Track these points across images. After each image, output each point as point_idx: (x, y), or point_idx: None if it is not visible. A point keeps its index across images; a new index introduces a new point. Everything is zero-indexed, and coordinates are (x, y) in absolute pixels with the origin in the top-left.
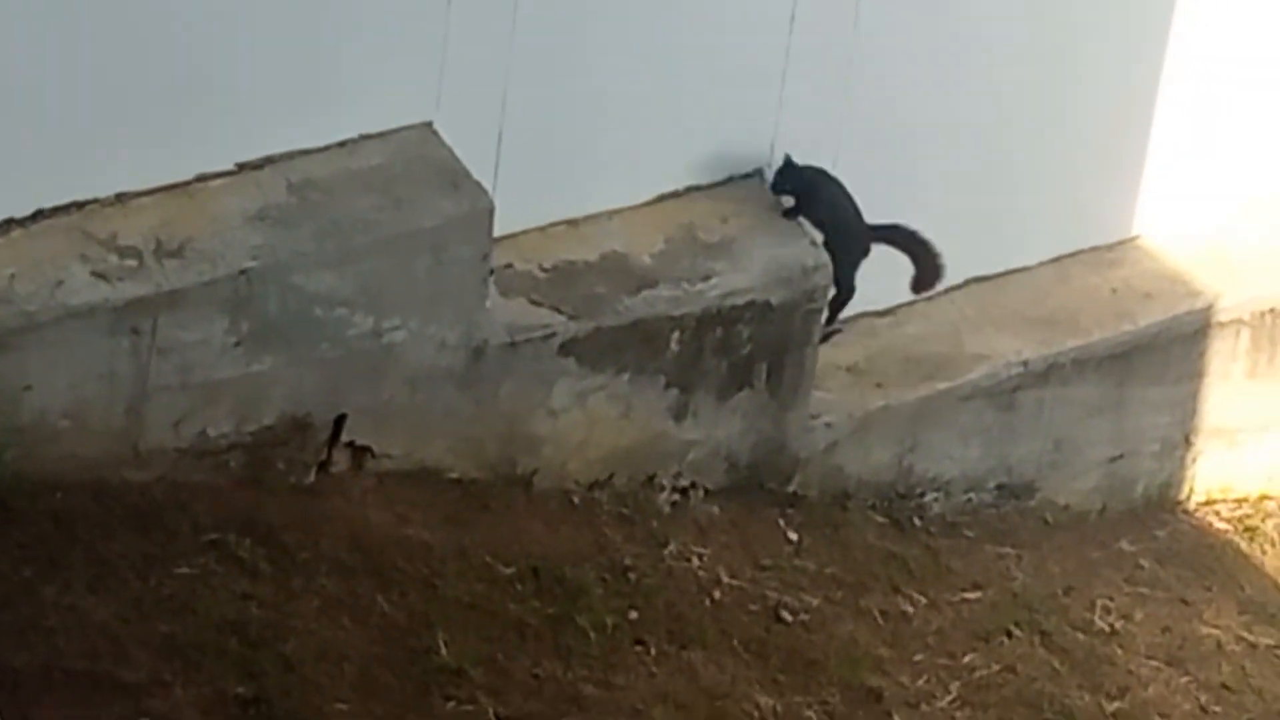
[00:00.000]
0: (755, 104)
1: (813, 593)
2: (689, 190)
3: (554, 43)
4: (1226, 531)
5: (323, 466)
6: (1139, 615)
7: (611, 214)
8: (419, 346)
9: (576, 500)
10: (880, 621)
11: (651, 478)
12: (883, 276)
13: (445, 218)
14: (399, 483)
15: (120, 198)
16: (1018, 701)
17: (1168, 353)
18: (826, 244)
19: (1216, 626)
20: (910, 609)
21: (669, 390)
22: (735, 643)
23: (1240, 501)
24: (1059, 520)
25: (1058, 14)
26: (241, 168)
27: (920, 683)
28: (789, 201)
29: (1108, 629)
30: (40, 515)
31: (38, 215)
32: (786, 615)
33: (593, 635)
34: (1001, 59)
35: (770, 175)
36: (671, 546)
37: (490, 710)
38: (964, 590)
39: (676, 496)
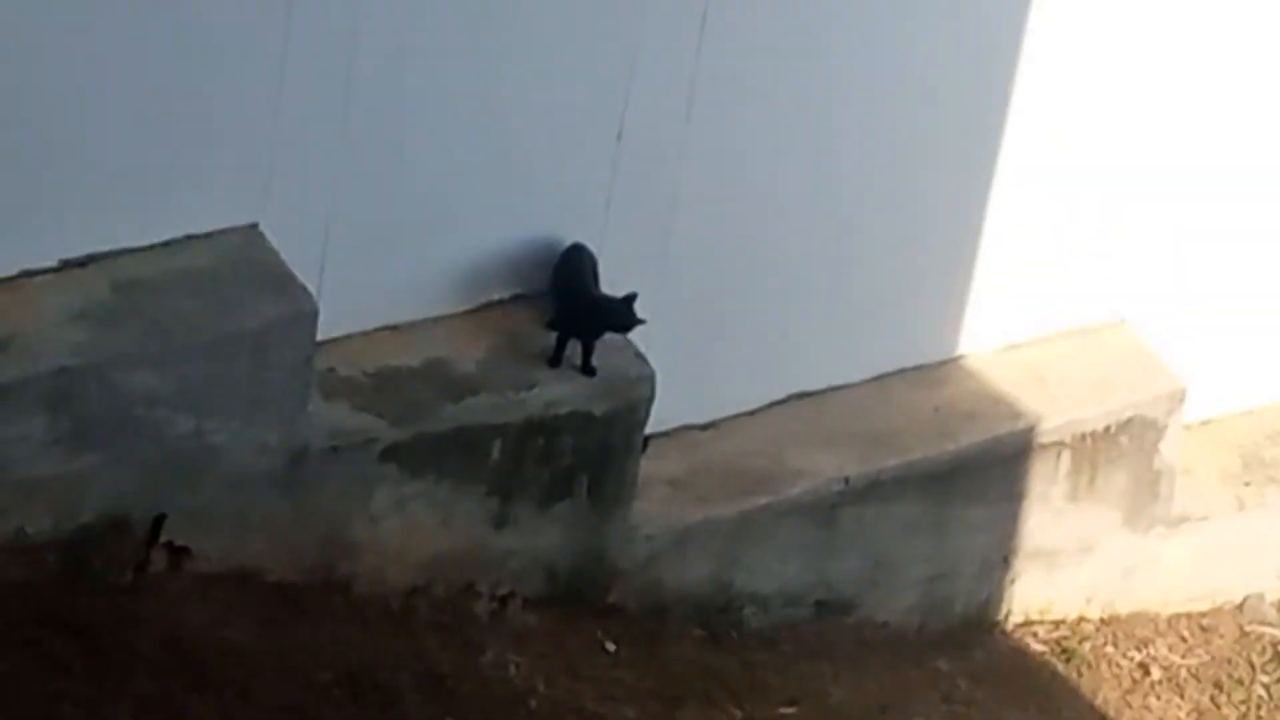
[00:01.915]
0: (582, 216)
1: (629, 704)
2: (514, 298)
3: (383, 148)
4: (1044, 653)
5: (141, 566)
6: None
7: (436, 320)
8: (240, 448)
9: (395, 606)
10: None
11: (470, 585)
12: (705, 389)
13: (269, 320)
14: (217, 584)
15: None
16: None
17: (988, 473)
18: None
19: None
20: None
21: (490, 498)
22: None
23: (1058, 623)
24: (877, 638)
25: (886, 134)
26: (65, 264)
27: None
28: None
29: None
30: None
31: None
32: None
33: None
34: (830, 177)
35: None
36: (489, 654)
37: None
38: (780, 706)
39: (495, 605)
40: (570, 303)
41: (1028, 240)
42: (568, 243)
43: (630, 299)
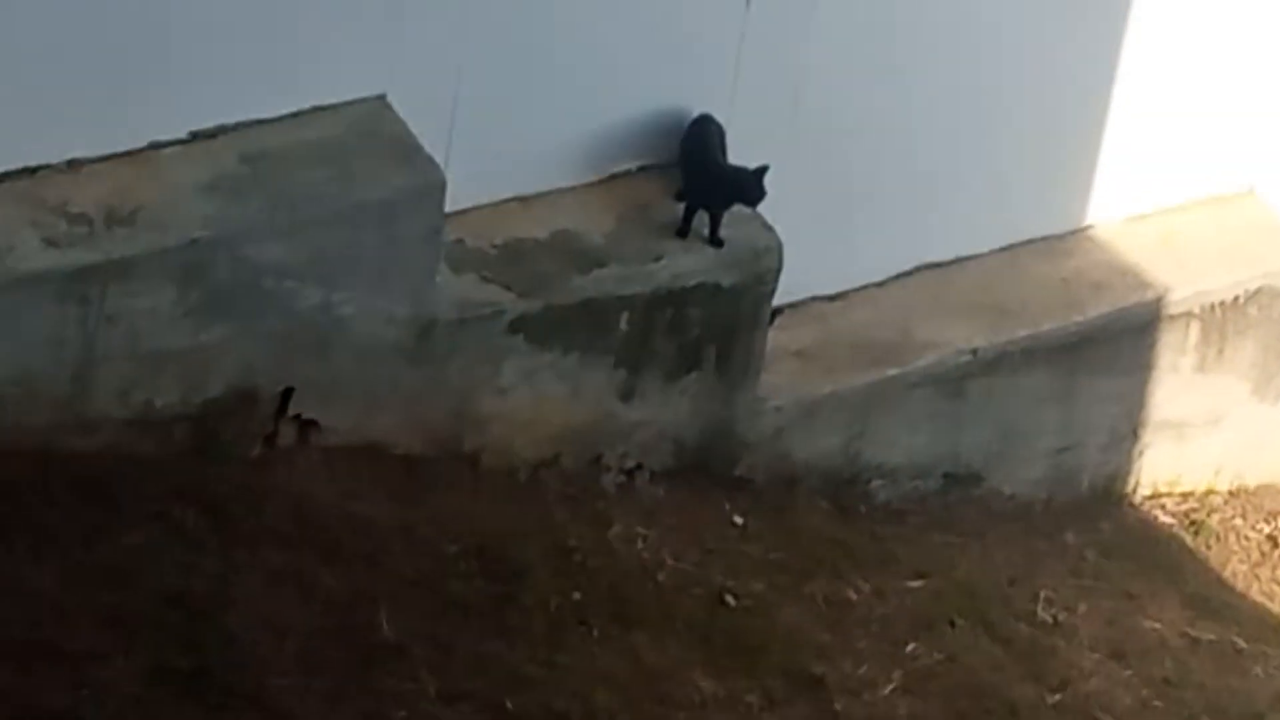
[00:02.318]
0: (709, 86)
1: (757, 578)
2: (642, 170)
3: (510, 18)
4: (1172, 526)
5: (269, 439)
6: (1082, 608)
7: (564, 192)
8: (367, 320)
9: (522, 479)
10: (824, 608)
11: (598, 458)
12: (832, 261)
13: (396, 191)
14: (345, 457)
15: (72, 164)
16: (959, 691)
17: (1117, 344)
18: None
19: (1160, 621)
20: (854, 596)
21: (617, 370)
22: (679, 626)
23: (1186, 496)
24: (1005, 510)
25: (1009, 6)
26: (195, 136)
27: (862, 670)
28: None
29: (1051, 621)
30: None
31: None
32: (730, 599)
33: (536, 615)
34: (954, 47)
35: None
36: (617, 528)
37: (431, 688)
38: (908, 579)
39: (623, 478)
40: (698, 174)
41: (1156, 110)
42: (695, 114)
43: (761, 171)
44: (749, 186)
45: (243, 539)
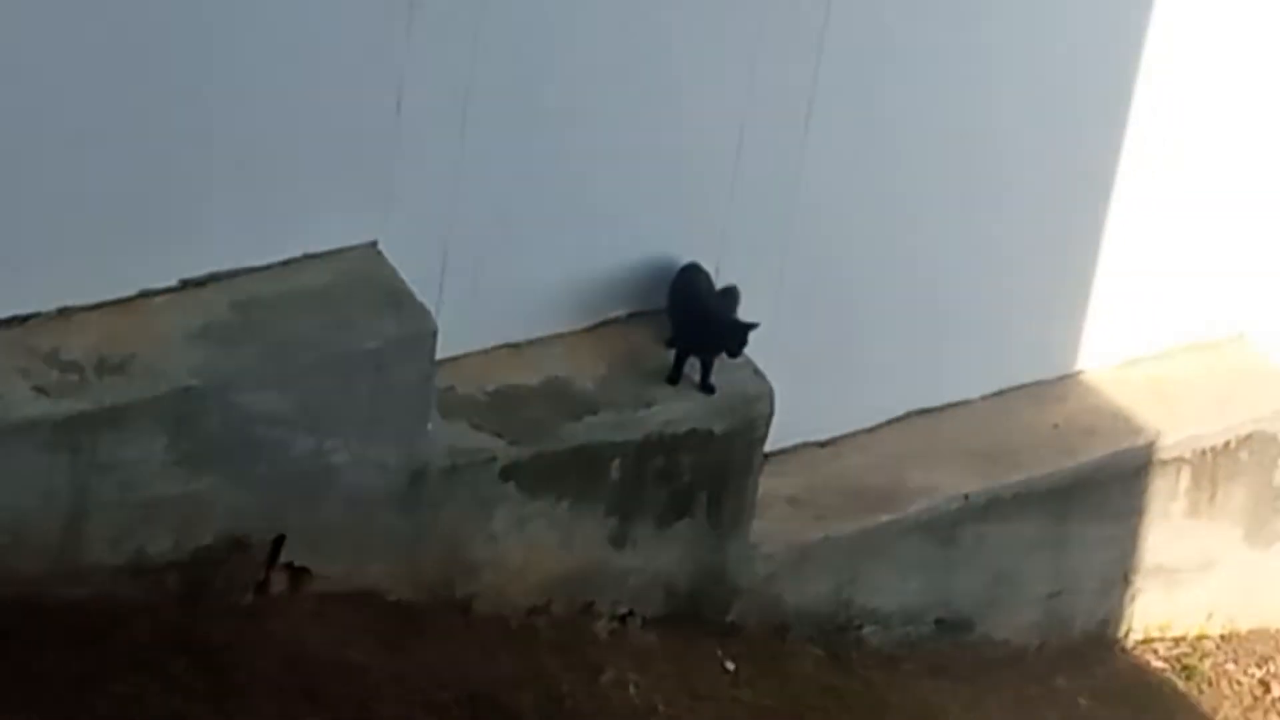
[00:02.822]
0: (700, 234)
1: None
2: (632, 316)
3: (501, 167)
4: (1164, 670)
5: (261, 587)
6: None
7: (555, 338)
8: (360, 468)
9: (514, 626)
10: None
11: (590, 604)
12: (824, 407)
13: (388, 339)
14: (337, 604)
15: (63, 312)
16: None
17: (1108, 489)
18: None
19: None
20: None
21: (609, 518)
22: None
23: (1178, 640)
24: (997, 656)
25: (999, 153)
26: (185, 284)
27: None
28: None
29: None
30: None
31: None
32: None
33: None
34: (945, 197)
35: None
36: (609, 674)
37: None
38: None
39: (615, 624)
40: (688, 321)
41: (1147, 256)
42: (684, 261)
43: (749, 326)
44: (731, 338)
45: (234, 687)
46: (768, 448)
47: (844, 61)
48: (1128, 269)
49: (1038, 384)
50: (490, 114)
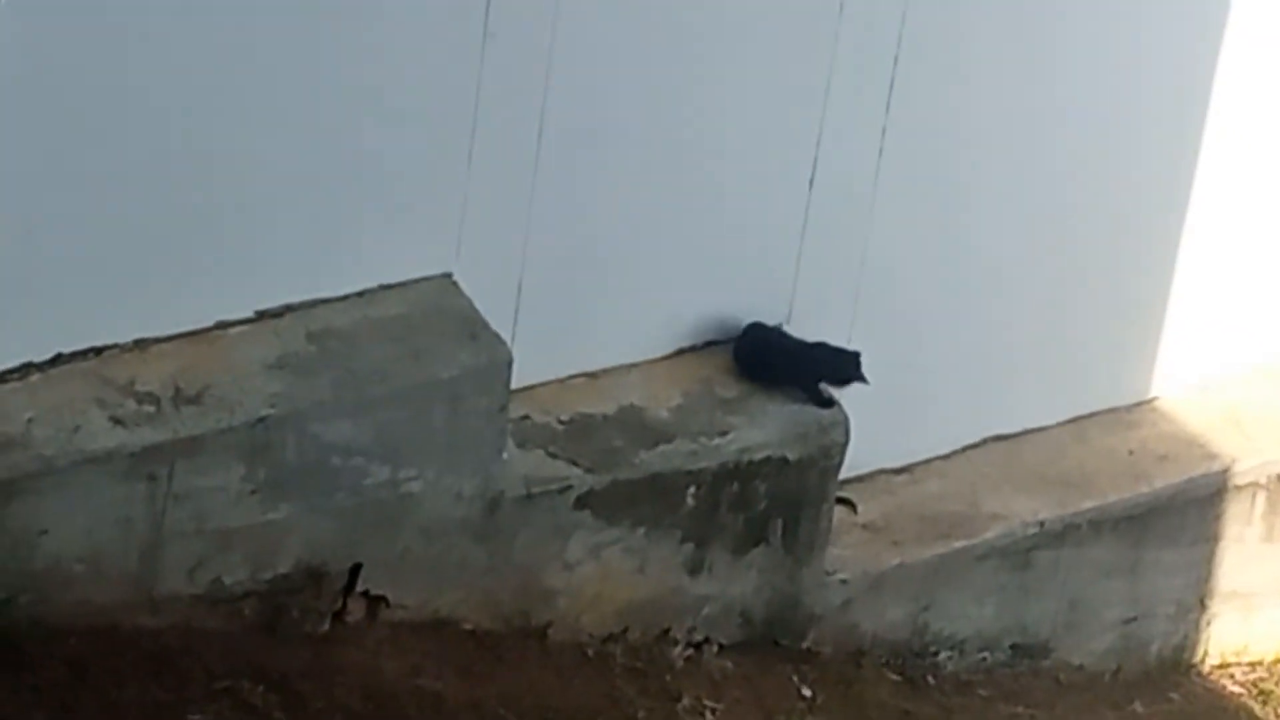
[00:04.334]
0: (774, 264)
1: None
2: (707, 345)
3: (574, 197)
4: (1240, 695)
5: (337, 615)
6: None
7: (630, 367)
8: (435, 497)
9: (590, 653)
10: None
11: (666, 631)
12: (899, 434)
13: (463, 369)
14: (413, 633)
15: (139, 343)
16: None
17: (1183, 515)
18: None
19: None
20: None
21: (684, 545)
22: None
23: (1254, 665)
24: (1073, 681)
25: (1074, 179)
26: (261, 315)
27: None
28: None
29: None
30: (53, 661)
31: (56, 360)
32: None
33: None
34: (1019, 217)
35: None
36: (685, 701)
37: None
38: None
39: (690, 651)
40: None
41: (1221, 281)
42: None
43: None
44: (853, 366)
45: (312, 716)
46: (844, 475)
47: (915, 98)
48: (1201, 293)
49: (1112, 410)
50: (564, 145)
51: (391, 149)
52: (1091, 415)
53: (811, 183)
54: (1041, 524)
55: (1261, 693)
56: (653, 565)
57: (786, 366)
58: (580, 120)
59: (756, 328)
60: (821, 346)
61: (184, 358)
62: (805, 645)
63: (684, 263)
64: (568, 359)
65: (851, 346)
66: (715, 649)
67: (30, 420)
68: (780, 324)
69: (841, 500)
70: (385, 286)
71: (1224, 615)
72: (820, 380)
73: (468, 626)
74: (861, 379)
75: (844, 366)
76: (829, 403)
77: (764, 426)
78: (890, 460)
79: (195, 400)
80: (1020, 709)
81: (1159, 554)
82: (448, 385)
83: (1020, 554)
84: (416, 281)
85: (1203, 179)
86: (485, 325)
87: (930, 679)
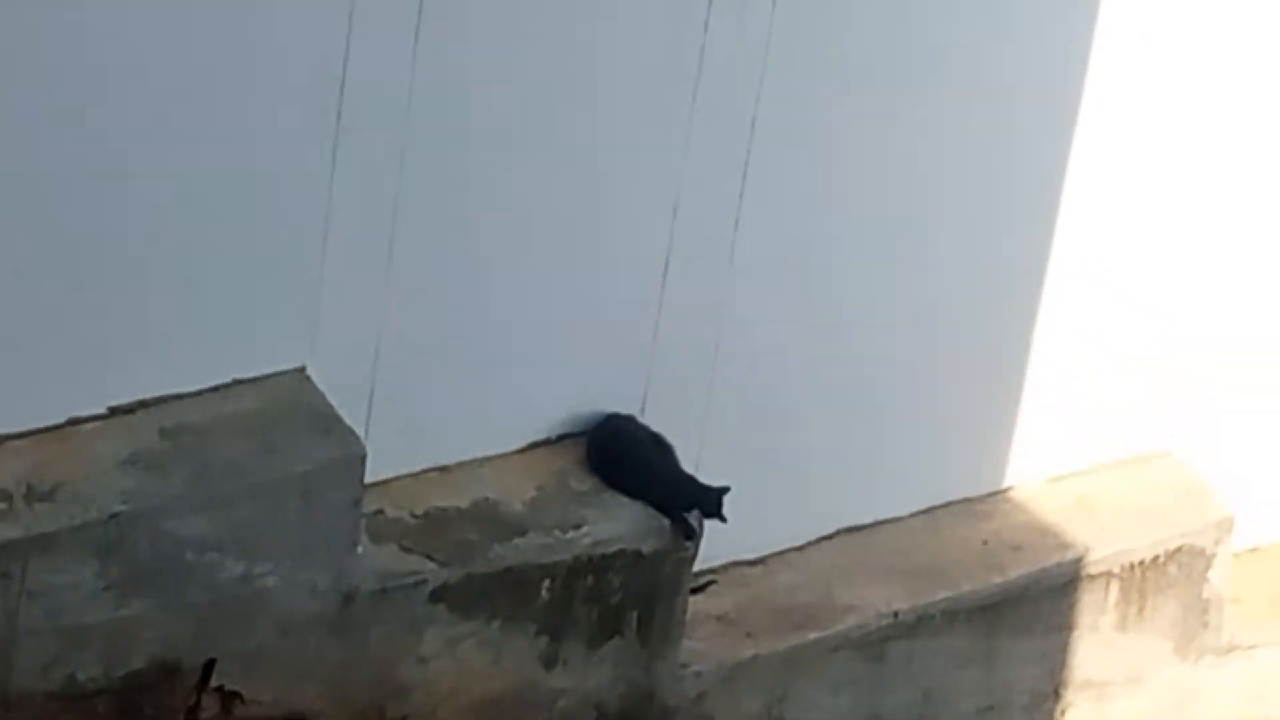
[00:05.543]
0: (627, 357)
1: None
2: (561, 438)
3: (428, 290)
4: None
5: (191, 712)
6: None
7: (483, 461)
8: (290, 592)
9: None
10: None
11: None
12: (753, 526)
13: (317, 463)
14: None
15: None
16: None
17: (1037, 605)
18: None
19: None
20: None
21: (539, 638)
22: None
23: None
24: None
25: (926, 274)
26: (114, 411)
27: None
28: None
29: None
30: None
31: None
32: None
33: None
34: (871, 313)
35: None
36: None
37: None
38: None
39: None
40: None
41: (1073, 372)
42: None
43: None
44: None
45: None
46: (697, 566)
47: (769, 181)
48: (1055, 384)
49: (967, 501)
50: (418, 238)
51: (244, 244)
52: (946, 505)
53: (665, 268)
54: (895, 614)
55: None
56: (508, 659)
57: (646, 481)
58: (434, 212)
59: (611, 423)
60: (689, 480)
61: (36, 454)
62: None
63: (537, 355)
64: (421, 453)
65: (718, 483)
66: None
67: None
68: (633, 415)
69: (697, 590)
70: (239, 381)
71: (1078, 704)
72: (685, 510)
73: None
74: (721, 518)
75: (707, 503)
76: (691, 534)
77: (618, 519)
78: (744, 552)
79: (48, 497)
80: None
81: (1013, 644)
82: (302, 480)
83: (875, 645)
84: (271, 376)
85: (1057, 271)
86: (339, 420)
87: None
